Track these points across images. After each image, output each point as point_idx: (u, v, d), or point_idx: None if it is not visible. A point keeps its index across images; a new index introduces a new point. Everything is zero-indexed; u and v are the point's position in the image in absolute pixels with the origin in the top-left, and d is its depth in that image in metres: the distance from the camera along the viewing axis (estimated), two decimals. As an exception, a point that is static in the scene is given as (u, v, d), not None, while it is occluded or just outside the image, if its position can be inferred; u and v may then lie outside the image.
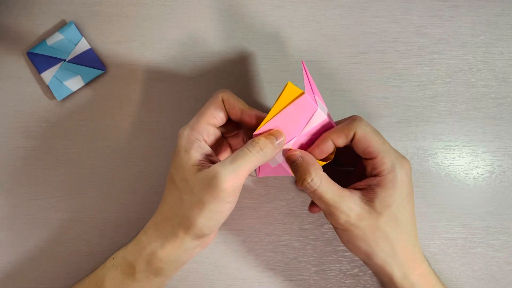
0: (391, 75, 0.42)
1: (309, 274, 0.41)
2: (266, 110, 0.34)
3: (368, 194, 0.33)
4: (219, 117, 0.35)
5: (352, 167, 0.40)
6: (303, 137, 0.35)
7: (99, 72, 0.42)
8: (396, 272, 0.34)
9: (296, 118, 0.33)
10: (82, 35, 0.42)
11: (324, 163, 0.35)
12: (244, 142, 0.39)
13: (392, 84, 0.42)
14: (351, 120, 0.34)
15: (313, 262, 0.42)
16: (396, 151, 0.34)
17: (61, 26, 0.43)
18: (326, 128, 0.35)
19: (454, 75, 0.43)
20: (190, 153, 0.33)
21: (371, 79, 0.42)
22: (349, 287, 0.41)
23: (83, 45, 0.42)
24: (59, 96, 0.42)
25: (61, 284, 0.41)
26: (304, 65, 0.34)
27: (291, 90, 0.32)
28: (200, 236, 0.33)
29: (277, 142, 0.33)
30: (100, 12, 0.43)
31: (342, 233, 0.34)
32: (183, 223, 0.33)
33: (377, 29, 0.43)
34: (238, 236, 0.42)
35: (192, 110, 0.42)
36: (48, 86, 0.42)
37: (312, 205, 0.39)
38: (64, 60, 0.42)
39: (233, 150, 0.39)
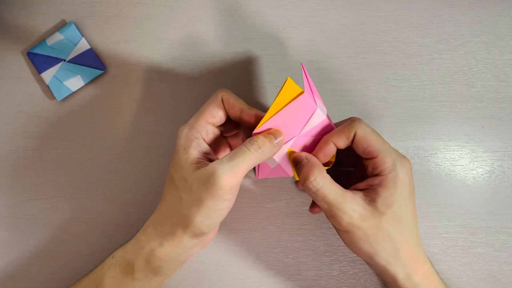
0: (391, 75, 0.42)
1: (309, 274, 0.41)
2: (266, 110, 0.34)
3: (370, 194, 0.33)
4: (218, 116, 0.35)
5: (353, 167, 0.40)
6: (302, 138, 0.35)
7: (99, 72, 0.42)
8: (399, 272, 0.34)
9: (295, 117, 0.33)
10: (82, 35, 0.42)
11: (326, 168, 0.35)
12: (244, 141, 0.39)
13: (392, 84, 0.42)
14: (351, 121, 0.34)
15: (313, 262, 0.42)
16: (396, 151, 0.34)
17: (61, 26, 0.43)
18: (325, 129, 0.35)
19: (454, 75, 0.43)
20: (189, 151, 0.33)
21: (371, 79, 0.42)
22: (349, 287, 0.41)
23: (83, 45, 0.42)
24: (59, 96, 0.42)
25: (61, 284, 0.41)
26: (304, 67, 0.34)
27: (291, 86, 0.32)
28: (198, 234, 0.33)
29: (276, 141, 0.33)
30: (100, 12, 0.43)
31: (345, 235, 0.34)
32: (182, 222, 0.33)
33: (377, 29, 0.43)
34: (238, 236, 0.42)
35: (192, 110, 0.42)
36: (48, 86, 0.42)
37: (313, 205, 0.39)
38: (64, 60, 0.42)
39: (232, 150, 0.39)
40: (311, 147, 0.36)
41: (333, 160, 0.35)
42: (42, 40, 0.42)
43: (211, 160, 0.33)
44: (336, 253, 0.42)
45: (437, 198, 0.42)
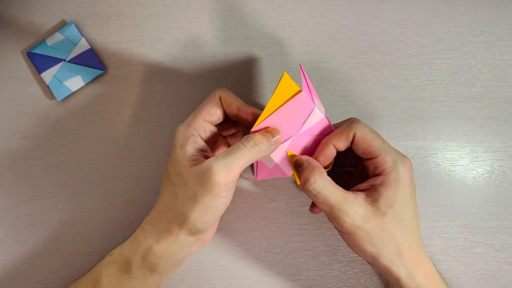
0: (391, 75, 0.42)
1: (309, 274, 0.41)
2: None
3: (372, 195, 0.33)
4: (216, 115, 0.35)
5: (352, 167, 0.40)
6: (300, 138, 0.35)
7: (99, 72, 0.42)
8: (402, 272, 0.34)
9: (293, 116, 0.33)
10: (82, 35, 0.42)
11: (326, 170, 0.35)
12: None
13: (392, 84, 0.42)
14: (349, 122, 0.34)
15: (313, 262, 0.42)
16: (397, 150, 0.34)
17: (61, 26, 0.43)
18: (324, 129, 0.35)
19: (454, 75, 0.43)
20: (185, 148, 0.33)
21: (371, 79, 0.42)
22: (349, 287, 0.41)
23: (83, 45, 0.42)
24: (59, 96, 0.42)
25: (61, 284, 0.41)
26: (302, 68, 0.34)
27: (287, 82, 0.32)
28: (194, 232, 0.33)
29: (273, 139, 0.33)
30: (100, 12, 0.43)
31: (348, 237, 0.34)
32: (178, 218, 0.33)
33: (377, 29, 0.43)
34: (238, 236, 0.42)
35: (192, 110, 0.42)
36: (48, 86, 0.42)
37: (314, 205, 0.39)
38: (64, 60, 0.42)
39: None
40: (310, 147, 0.36)
41: (332, 161, 0.35)
42: (42, 40, 0.42)
43: (207, 157, 0.33)
44: (336, 253, 0.42)
45: (437, 198, 0.42)
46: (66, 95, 0.42)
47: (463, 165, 0.42)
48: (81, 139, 0.42)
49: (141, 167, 0.42)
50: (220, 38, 0.43)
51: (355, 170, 0.39)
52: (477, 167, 0.42)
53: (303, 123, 0.34)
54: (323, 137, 0.35)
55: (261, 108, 0.42)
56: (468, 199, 0.42)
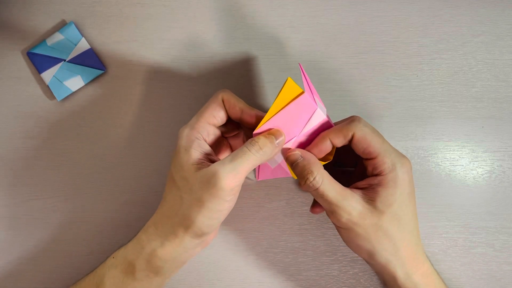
0: (391, 75, 0.42)
1: (309, 274, 0.41)
2: (267, 110, 0.34)
3: (370, 194, 0.33)
4: (219, 117, 0.35)
5: (353, 167, 0.40)
6: (303, 138, 0.35)
7: (99, 72, 0.42)
8: (399, 271, 0.34)
9: (295, 117, 0.33)
10: (82, 35, 0.42)
11: (323, 163, 0.35)
12: (244, 142, 0.39)
13: (392, 84, 0.42)
14: (350, 120, 0.34)
15: (313, 262, 0.42)
16: (396, 150, 0.34)
17: (61, 26, 0.43)
18: (325, 129, 0.35)
19: (454, 75, 0.43)
20: (190, 152, 0.33)
21: (371, 79, 0.42)
22: (349, 287, 0.41)
23: (83, 45, 0.42)
24: (59, 96, 0.42)
25: (61, 284, 0.41)
26: (302, 67, 0.34)
27: (291, 86, 0.32)
28: (199, 235, 0.33)
29: (277, 141, 0.33)
30: (100, 12, 0.43)
31: (344, 232, 0.34)
32: (183, 222, 0.33)
33: (377, 29, 0.43)
34: (238, 236, 0.42)
35: (192, 110, 0.42)
36: (48, 86, 0.42)
37: (314, 206, 0.39)
38: (64, 60, 0.42)
39: (233, 151, 0.39)
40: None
41: (331, 157, 0.35)
42: (42, 40, 0.42)
43: (212, 161, 0.33)
44: (336, 253, 0.42)
45: (437, 198, 0.42)
46: (66, 95, 0.42)
47: (463, 165, 0.42)
48: (81, 139, 0.42)
49: (141, 167, 0.42)
50: (220, 38, 0.43)
51: (355, 169, 0.39)
52: (477, 167, 0.42)
53: (306, 123, 0.34)
54: None
55: (262, 108, 0.42)
56: (468, 199, 0.42)
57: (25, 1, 0.43)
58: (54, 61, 0.42)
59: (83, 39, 0.42)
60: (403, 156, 0.34)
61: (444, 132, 0.42)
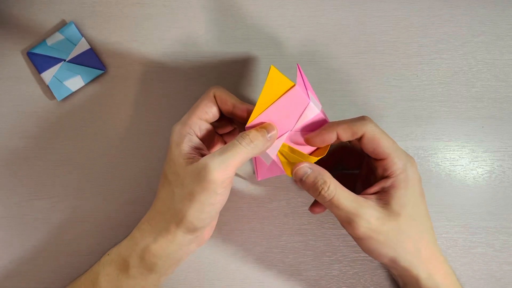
0: (391, 75, 0.42)
1: (309, 274, 0.41)
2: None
3: (383, 197, 0.33)
4: (211, 113, 0.35)
5: (356, 168, 0.39)
6: (297, 133, 0.35)
7: (99, 72, 0.42)
8: (422, 273, 0.33)
9: (287, 111, 0.33)
10: (82, 35, 0.42)
11: (316, 158, 0.34)
12: None
13: (392, 84, 0.42)
14: (361, 119, 0.33)
15: (313, 262, 0.42)
16: (404, 151, 0.34)
17: (61, 26, 0.43)
18: (320, 125, 0.35)
19: (454, 75, 0.43)
20: (181, 146, 0.33)
21: (371, 79, 0.42)
22: (349, 287, 0.41)
23: (83, 45, 0.42)
24: (59, 96, 0.42)
25: (61, 284, 0.41)
26: (299, 68, 0.34)
27: (276, 74, 0.32)
28: (192, 229, 0.33)
29: (269, 135, 0.33)
30: (100, 12, 0.43)
31: (364, 242, 0.33)
32: (175, 217, 0.33)
33: (377, 29, 0.43)
34: (238, 236, 0.42)
35: (192, 110, 0.42)
36: (48, 86, 0.42)
37: (314, 205, 0.38)
38: (64, 60, 0.42)
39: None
40: (304, 142, 0.35)
41: (325, 153, 0.34)
42: (42, 40, 0.42)
43: (203, 156, 0.33)
44: (336, 253, 0.42)
45: (437, 198, 0.42)
46: (66, 95, 0.42)
47: (463, 165, 0.42)
48: (81, 139, 0.42)
49: (141, 167, 0.42)
50: (220, 38, 0.43)
51: (360, 172, 0.39)
52: (477, 167, 0.42)
53: (299, 118, 0.34)
54: None
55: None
56: (468, 199, 0.42)
57: (25, 1, 0.43)
58: (54, 61, 0.42)
59: (83, 39, 0.42)
60: (410, 156, 0.34)
61: (444, 132, 0.42)
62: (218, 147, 0.39)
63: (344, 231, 0.42)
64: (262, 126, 0.33)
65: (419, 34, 0.43)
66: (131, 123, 0.42)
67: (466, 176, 0.42)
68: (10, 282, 0.41)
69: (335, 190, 0.32)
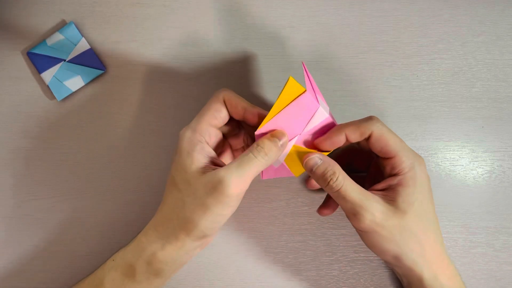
0: (391, 75, 0.42)
1: (309, 274, 0.41)
2: (267, 109, 0.34)
3: (390, 194, 0.33)
4: (221, 118, 0.35)
5: (364, 169, 0.39)
6: (305, 137, 0.35)
7: (99, 72, 0.42)
8: (426, 273, 0.33)
9: (297, 116, 0.33)
10: (82, 35, 0.42)
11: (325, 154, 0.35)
12: (245, 142, 0.39)
13: (392, 84, 0.42)
14: (368, 119, 0.33)
15: (313, 262, 0.42)
16: (412, 150, 0.34)
17: (61, 26, 0.43)
18: (328, 127, 0.35)
19: (454, 75, 0.43)
20: (193, 155, 0.32)
21: (371, 79, 0.42)
22: (349, 287, 0.41)
23: (83, 45, 0.42)
24: (59, 96, 0.42)
25: (61, 284, 0.41)
26: (305, 66, 0.34)
27: (293, 85, 0.32)
28: (201, 237, 0.33)
29: (280, 143, 0.33)
30: (100, 12, 0.43)
31: (368, 236, 0.33)
32: (185, 225, 0.33)
33: (377, 29, 0.43)
34: (238, 236, 0.42)
35: (192, 110, 0.42)
36: (48, 86, 0.42)
37: (323, 207, 0.38)
38: (64, 60, 0.42)
39: (233, 151, 0.39)
40: (313, 146, 0.36)
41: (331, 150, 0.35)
42: (42, 40, 0.42)
43: (215, 163, 0.33)
44: (336, 253, 0.42)
45: (437, 198, 0.41)
46: (66, 95, 0.42)
47: (463, 165, 0.42)
48: (81, 139, 0.42)
49: (141, 167, 0.42)
50: (220, 38, 0.43)
51: (368, 174, 0.38)
52: (477, 167, 0.42)
53: (308, 122, 0.34)
54: None
55: (263, 108, 0.42)
56: (468, 199, 0.42)
57: (25, 1, 0.43)
58: (54, 61, 0.42)
59: (83, 39, 0.42)
60: (418, 155, 0.34)
61: (444, 132, 0.42)
62: (225, 151, 0.39)
63: (344, 231, 0.42)
64: (273, 135, 0.33)
65: (419, 34, 0.43)
66: (131, 123, 0.42)
67: (466, 176, 0.42)
68: (10, 282, 0.41)
69: (343, 181, 0.32)
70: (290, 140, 0.34)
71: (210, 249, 0.42)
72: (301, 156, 0.35)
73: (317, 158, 0.33)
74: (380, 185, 0.34)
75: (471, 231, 0.41)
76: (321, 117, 0.34)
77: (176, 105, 0.42)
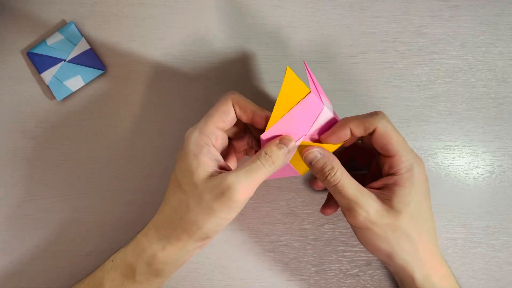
0: (391, 75, 0.42)
1: (309, 274, 0.41)
2: (270, 109, 0.33)
3: (386, 193, 0.33)
4: (228, 121, 0.34)
5: (365, 167, 0.39)
6: (310, 136, 0.35)
7: (99, 72, 0.42)
8: (417, 273, 0.33)
9: (303, 117, 0.33)
10: (82, 35, 0.42)
11: (332, 147, 0.34)
12: (249, 144, 0.38)
13: (392, 84, 0.42)
14: (374, 114, 0.33)
15: (313, 262, 0.42)
16: (413, 151, 0.34)
17: (61, 26, 0.43)
18: (332, 125, 0.35)
19: (454, 75, 0.43)
20: (199, 158, 0.32)
21: (371, 79, 0.42)
22: (349, 287, 0.41)
23: (83, 45, 0.42)
24: (59, 96, 0.42)
25: (61, 284, 0.41)
26: (306, 65, 0.34)
27: (292, 76, 0.32)
28: (203, 238, 0.34)
29: (288, 150, 0.33)
30: (100, 12, 0.43)
31: (361, 232, 0.34)
32: (189, 228, 0.33)
33: (377, 29, 0.43)
34: (238, 236, 0.42)
35: (192, 110, 0.42)
36: (48, 86, 0.42)
37: (326, 206, 0.38)
38: (64, 60, 0.42)
39: (237, 153, 0.39)
40: (319, 142, 0.35)
41: (337, 147, 0.35)
42: (42, 40, 0.42)
43: (221, 167, 0.33)
44: (336, 253, 0.42)
45: (437, 198, 0.42)
46: (66, 95, 0.42)
47: (463, 165, 0.42)
48: (81, 139, 0.42)
49: (141, 167, 0.42)
50: (220, 38, 0.43)
51: (368, 172, 0.39)
52: (477, 167, 0.42)
53: (313, 123, 0.34)
54: None
55: (265, 107, 0.42)
56: (468, 199, 0.42)
57: (25, 1, 0.43)
58: (54, 61, 0.42)
59: (83, 39, 0.42)
60: (418, 156, 0.34)
61: (444, 132, 0.42)
62: (231, 155, 0.38)
63: (344, 231, 0.42)
64: (281, 142, 0.33)
65: (419, 34, 0.43)
66: (131, 123, 0.42)
67: (466, 176, 0.42)
68: (10, 282, 0.41)
69: (341, 176, 0.32)
70: (296, 141, 0.34)
71: (210, 249, 0.42)
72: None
73: (317, 152, 0.33)
74: (377, 183, 0.34)
75: (471, 231, 0.41)
76: (326, 117, 0.34)
77: (176, 105, 0.42)
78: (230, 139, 0.38)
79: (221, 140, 0.35)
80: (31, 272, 0.41)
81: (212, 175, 0.32)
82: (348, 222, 0.34)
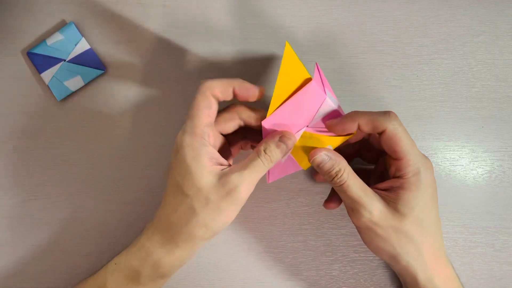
0: (391, 75, 0.42)
1: (309, 274, 0.41)
2: (266, 108, 0.33)
3: (391, 195, 0.33)
4: (213, 113, 0.34)
5: (373, 164, 0.39)
6: (312, 129, 0.35)
7: (99, 72, 0.42)
8: (421, 275, 0.34)
9: (304, 107, 0.33)
10: (82, 35, 0.42)
11: (336, 141, 0.34)
12: (243, 134, 0.38)
13: (392, 84, 0.42)
14: (386, 114, 0.33)
15: (313, 262, 0.42)
16: (422, 154, 0.34)
17: (61, 26, 0.43)
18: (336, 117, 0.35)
19: (454, 75, 0.43)
20: (199, 160, 0.32)
21: (371, 79, 0.42)
22: (349, 287, 0.41)
23: (83, 45, 0.42)
24: (59, 96, 0.42)
25: (61, 284, 0.41)
26: (318, 65, 0.34)
27: (291, 53, 0.32)
28: (211, 237, 0.34)
29: (287, 147, 0.33)
30: (100, 12, 0.43)
31: (365, 232, 0.34)
32: (197, 230, 0.33)
33: (377, 29, 0.43)
34: (238, 236, 0.42)
35: (192, 110, 0.42)
36: (48, 86, 0.42)
37: (329, 201, 0.38)
38: (64, 60, 0.42)
39: (231, 147, 0.39)
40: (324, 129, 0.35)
41: (344, 140, 0.35)
42: (42, 40, 0.42)
43: (219, 163, 0.33)
44: (336, 253, 0.42)
45: (438, 198, 0.42)
46: (66, 95, 0.42)
47: (463, 165, 0.42)
48: (81, 139, 0.42)
49: (141, 167, 0.42)
50: (219, 38, 0.43)
51: (375, 168, 0.38)
52: (477, 167, 0.42)
53: (315, 114, 0.34)
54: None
55: (265, 107, 0.42)
56: (468, 199, 0.42)
57: (25, 1, 0.43)
58: (54, 61, 0.42)
59: (83, 39, 0.42)
60: (427, 159, 0.34)
61: (444, 132, 0.42)
62: (224, 148, 0.38)
63: (344, 231, 0.42)
64: (281, 139, 0.33)
65: (419, 34, 0.43)
66: (131, 123, 0.42)
67: (466, 176, 0.42)
68: (11, 282, 0.41)
69: (347, 176, 0.33)
70: (298, 131, 0.34)
71: (210, 249, 0.42)
72: (308, 150, 0.35)
73: (324, 156, 0.33)
74: (383, 185, 0.34)
75: (471, 231, 0.41)
76: (329, 108, 0.34)
77: (176, 105, 0.42)
78: (223, 133, 0.37)
79: (213, 136, 0.35)
80: (31, 272, 0.41)
81: (214, 175, 0.32)
82: (352, 221, 0.35)
